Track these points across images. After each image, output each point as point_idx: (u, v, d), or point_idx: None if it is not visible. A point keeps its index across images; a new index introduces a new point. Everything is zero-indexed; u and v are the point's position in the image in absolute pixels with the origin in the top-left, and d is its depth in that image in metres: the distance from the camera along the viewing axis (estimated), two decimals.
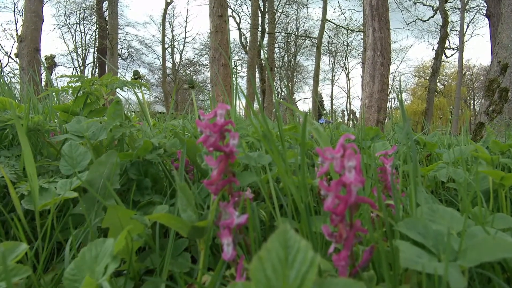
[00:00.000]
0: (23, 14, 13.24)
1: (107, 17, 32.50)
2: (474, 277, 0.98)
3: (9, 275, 0.79)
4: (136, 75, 2.67)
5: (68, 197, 1.28)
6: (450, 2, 33.62)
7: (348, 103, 54.41)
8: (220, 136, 0.87)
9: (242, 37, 39.66)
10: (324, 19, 35.18)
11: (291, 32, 43.14)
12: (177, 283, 1.07)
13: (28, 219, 1.44)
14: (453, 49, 39.03)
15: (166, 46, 42.97)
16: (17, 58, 12.68)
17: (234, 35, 39.12)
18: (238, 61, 43.32)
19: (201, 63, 47.25)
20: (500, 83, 5.30)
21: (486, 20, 20.65)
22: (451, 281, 0.68)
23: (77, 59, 40.55)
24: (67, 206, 1.44)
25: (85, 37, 40.12)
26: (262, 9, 34.50)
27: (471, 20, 37.70)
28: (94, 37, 38.70)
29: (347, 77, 53.07)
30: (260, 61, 32.12)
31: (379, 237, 0.84)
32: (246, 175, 1.46)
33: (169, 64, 45.11)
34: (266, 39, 33.83)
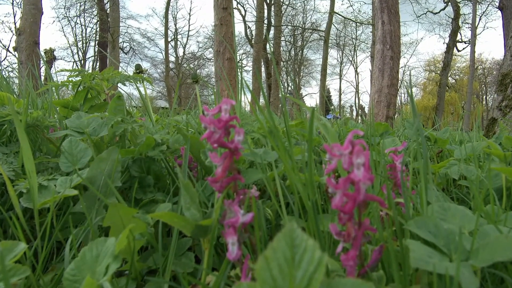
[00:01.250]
0: (22, 7, 13.26)
1: (108, 9, 32.49)
2: (487, 278, 0.98)
3: (7, 276, 0.79)
4: (138, 69, 2.67)
5: (68, 195, 1.28)
6: None
7: (356, 98, 54.38)
8: (225, 132, 0.87)
9: (248, 30, 39.65)
10: (332, 12, 35.09)
11: (298, 25, 43.07)
12: (180, 284, 1.07)
13: (27, 217, 1.45)
14: (465, 42, 38.87)
15: (169, 39, 43.01)
16: (16, 52, 12.70)
17: (239, 28, 39.22)
18: (244, 54, 43.32)
19: (205, 57, 47.29)
20: None
21: (499, 13, 20.61)
22: (462, 281, 0.68)
23: (78, 52, 40.66)
24: (67, 204, 1.44)
25: (86, 30, 40.23)
26: (268, 1, 34.44)
27: (483, 12, 37.56)
28: (95, 30, 38.80)
29: (356, 71, 52.98)
30: (266, 54, 32.11)
31: (389, 236, 0.84)
32: (251, 172, 1.46)
33: (172, 58, 45.22)
34: (272, 32, 33.83)
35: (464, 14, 35.80)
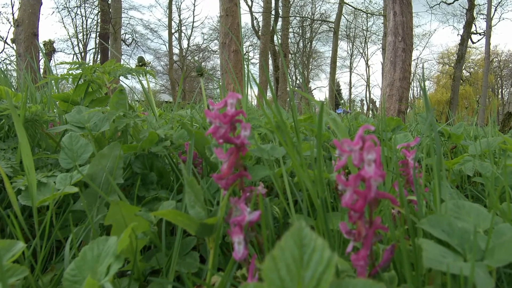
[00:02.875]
0: None
1: None
2: (502, 278, 0.98)
3: (4, 276, 0.79)
4: (141, 62, 2.67)
5: (68, 192, 1.28)
6: None
7: (367, 92, 54.18)
8: (231, 127, 0.86)
9: (254, 21, 39.47)
10: (341, 2, 35.04)
11: (306, 16, 42.96)
12: (184, 284, 1.07)
13: (26, 216, 1.45)
14: (479, 34, 38.64)
15: (173, 31, 42.92)
16: (14, 44, 12.70)
17: (245, 19, 39.19)
18: (250, 47, 43.30)
19: (210, 49, 47.31)
20: None
21: None
22: (477, 282, 0.68)
23: (78, 44, 40.61)
24: (67, 202, 1.44)
25: (86, 21, 40.15)
26: None
27: (499, 3, 37.44)
28: (96, 21, 38.70)
29: (367, 64, 52.80)
30: (274, 47, 32.06)
31: (401, 235, 0.84)
32: (258, 169, 1.46)
33: (176, 50, 45.18)
34: (279, 23, 33.71)
35: (479, 5, 35.62)
